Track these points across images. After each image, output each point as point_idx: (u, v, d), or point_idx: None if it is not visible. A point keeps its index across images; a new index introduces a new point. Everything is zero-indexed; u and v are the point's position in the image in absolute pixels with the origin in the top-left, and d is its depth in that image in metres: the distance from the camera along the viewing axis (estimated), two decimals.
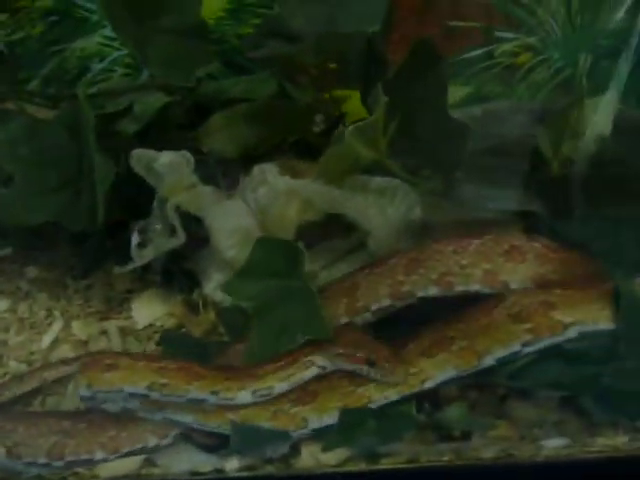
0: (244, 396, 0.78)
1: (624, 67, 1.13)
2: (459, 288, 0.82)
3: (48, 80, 1.24)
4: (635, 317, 0.72)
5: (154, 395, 0.78)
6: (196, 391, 0.78)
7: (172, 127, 1.06)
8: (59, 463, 0.80)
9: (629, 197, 0.73)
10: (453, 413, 0.76)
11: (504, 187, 0.99)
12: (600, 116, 0.94)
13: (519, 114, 1.17)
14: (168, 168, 0.85)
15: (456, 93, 1.32)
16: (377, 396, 0.78)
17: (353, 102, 1.10)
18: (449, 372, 0.78)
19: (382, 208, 0.82)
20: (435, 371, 0.78)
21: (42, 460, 0.80)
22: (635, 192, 0.78)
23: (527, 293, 0.79)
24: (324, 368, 0.79)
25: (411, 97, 0.87)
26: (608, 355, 0.73)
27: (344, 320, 0.85)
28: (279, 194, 0.85)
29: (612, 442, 0.81)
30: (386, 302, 0.84)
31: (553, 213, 0.85)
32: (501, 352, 0.77)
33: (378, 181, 0.85)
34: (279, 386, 0.78)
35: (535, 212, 0.91)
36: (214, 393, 0.78)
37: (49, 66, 1.24)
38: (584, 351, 0.73)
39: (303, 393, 0.79)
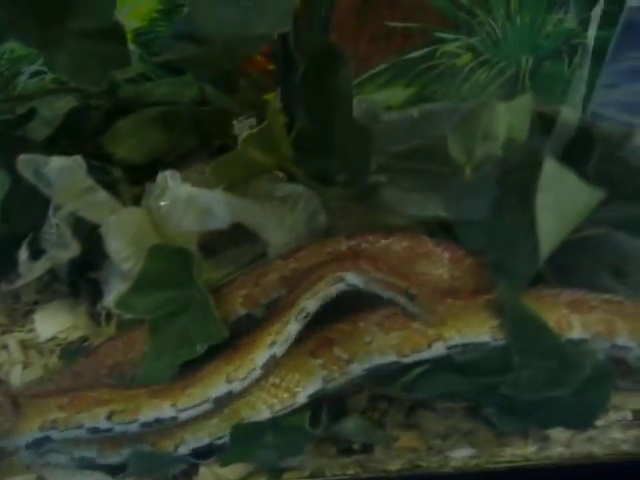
0: None
1: (582, 73, 1.12)
2: None
3: None
4: (522, 329, 0.70)
5: None
6: None
7: (87, 132, 1.04)
8: None
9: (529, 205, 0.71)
10: (349, 425, 0.74)
11: (425, 191, 0.97)
12: (514, 119, 0.92)
13: (456, 115, 1.15)
14: (58, 173, 0.82)
15: (399, 94, 1.31)
16: None
17: None
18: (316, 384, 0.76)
19: (280, 217, 0.80)
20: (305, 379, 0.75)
21: None
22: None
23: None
24: (354, 287, 0.75)
25: (316, 100, 0.84)
26: (503, 366, 0.71)
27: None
28: (179, 202, 0.82)
29: (521, 452, 0.80)
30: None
31: (460, 219, 0.83)
32: (368, 363, 0.76)
33: (282, 188, 0.82)
34: (309, 304, 0.75)
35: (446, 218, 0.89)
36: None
37: None
38: (476, 362, 0.71)
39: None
